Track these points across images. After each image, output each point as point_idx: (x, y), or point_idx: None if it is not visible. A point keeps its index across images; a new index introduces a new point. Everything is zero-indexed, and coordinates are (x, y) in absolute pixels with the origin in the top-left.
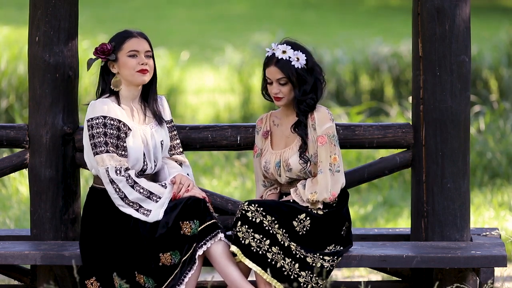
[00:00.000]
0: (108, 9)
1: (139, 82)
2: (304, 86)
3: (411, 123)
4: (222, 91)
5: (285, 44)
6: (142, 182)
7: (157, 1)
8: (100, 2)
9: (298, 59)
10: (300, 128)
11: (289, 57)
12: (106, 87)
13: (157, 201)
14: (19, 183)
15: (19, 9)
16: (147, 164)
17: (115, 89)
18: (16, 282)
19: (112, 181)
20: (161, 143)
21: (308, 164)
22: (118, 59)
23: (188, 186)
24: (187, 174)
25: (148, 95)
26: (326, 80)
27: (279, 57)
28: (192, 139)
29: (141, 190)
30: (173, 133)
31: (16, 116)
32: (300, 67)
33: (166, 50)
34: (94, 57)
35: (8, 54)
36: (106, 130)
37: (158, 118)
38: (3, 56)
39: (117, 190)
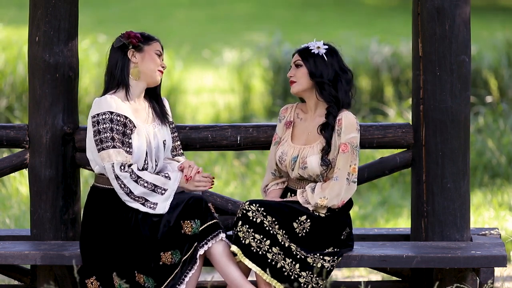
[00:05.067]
0: (108, 9)
1: (156, 80)
2: (319, 69)
3: (410, 123)
4: (222, 91)
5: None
6: (145, 175)
7: (157, 1)
8: (100, 2)
9: (318, 47)
10: (327, 130)
11: (309, 45)
12: (119, 75)
13: (162, 193)
14: (19, 183)
15: (19, 9)
16: (148, 163)
17: (135, 79)
18: (16, 282)
19: (117, 177)
20: (164, 143)
21: (329, 167)
22: (145, 52)
23: (198, 169)
24: None
25: (152, 95)
26: (354, 86)
27: (302, 46)
28: (192, 139)
29: (145, 184)
30: (174, 134)
31: (16, 116)
32: (317, 53)
33: (166, 50)
34: (121, 40)
35: (8, 54)
36: (112, 125)
37: (161, 118)
38: (2, 56)
39: (122, 185)
